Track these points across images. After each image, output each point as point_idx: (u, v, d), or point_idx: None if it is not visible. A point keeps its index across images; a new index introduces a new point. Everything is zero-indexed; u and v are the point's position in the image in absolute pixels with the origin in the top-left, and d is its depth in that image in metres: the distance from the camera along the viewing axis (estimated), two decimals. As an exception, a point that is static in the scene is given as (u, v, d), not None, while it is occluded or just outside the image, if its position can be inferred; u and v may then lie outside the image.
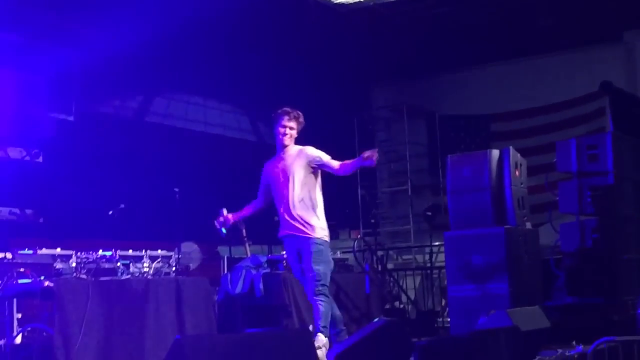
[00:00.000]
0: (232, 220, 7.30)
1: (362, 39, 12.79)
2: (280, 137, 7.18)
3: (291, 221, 6.93)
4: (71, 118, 10.51)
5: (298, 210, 6.89)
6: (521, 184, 7.86)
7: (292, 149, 7.16)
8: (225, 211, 7.28)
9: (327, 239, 6.96)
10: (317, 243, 6.82)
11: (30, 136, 10.41)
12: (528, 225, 7.90)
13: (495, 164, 7.66)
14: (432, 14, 12.09)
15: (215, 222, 7.29)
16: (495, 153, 7.73)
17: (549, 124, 13.51)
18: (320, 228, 6.90)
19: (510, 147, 7.81)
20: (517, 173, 7.76)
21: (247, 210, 7.38)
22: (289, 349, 4.50)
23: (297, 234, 6.91)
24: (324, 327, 6.72)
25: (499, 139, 13.59)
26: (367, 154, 6.58)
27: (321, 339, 6.60)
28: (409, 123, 14.58)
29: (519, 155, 7.93)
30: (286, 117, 7.13)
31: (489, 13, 12.12)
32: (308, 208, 6.91)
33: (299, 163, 7.01)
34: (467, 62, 13.92)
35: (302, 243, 6.87)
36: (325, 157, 7.04)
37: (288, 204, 6.95)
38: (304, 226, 6.87)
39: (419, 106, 14.71)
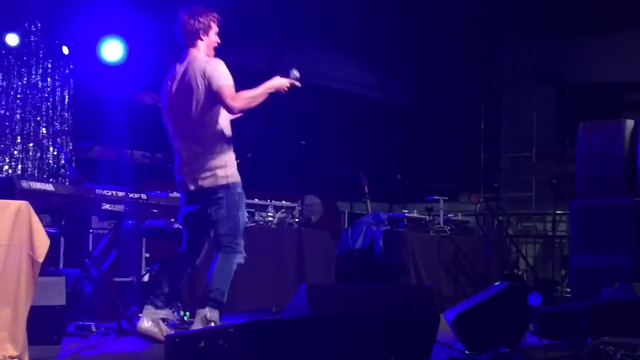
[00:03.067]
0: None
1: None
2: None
3: None
4: (203, 66, 10.71)
5: None
6: (655, 156, 7.62)
7: None
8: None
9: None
10: None
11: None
12: (659, 199, 7.66)
13: (629, 134, 7.45)
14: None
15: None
16: (630, 123, 7.52)
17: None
18: None
19: (646, 118, 7.58)
20: (651, 145, 7.52)
21: None
22: (411, 304, 4.55)
23: None
24: None
25: (631, 109, 13.14)
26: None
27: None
28: (537, 88, 14.26)
29: (654, 126, 7.68)
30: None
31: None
32: None
33: None
34: (602, 27, 13.44)
35: None
36: None
37: None
38: None
39: (548, 71, 14.33)
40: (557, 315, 5.76)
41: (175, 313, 6.14)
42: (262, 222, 7.53)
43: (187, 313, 6.21)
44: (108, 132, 9.92)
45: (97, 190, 5.63)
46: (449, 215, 9.89)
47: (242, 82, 11.64)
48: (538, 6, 12.81)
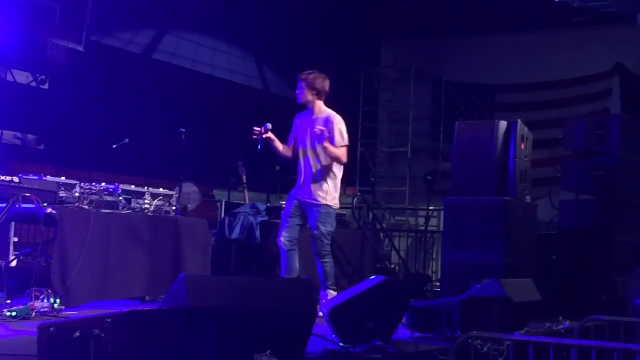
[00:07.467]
0: (269, 140, 7.14)
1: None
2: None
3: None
4: (80, 48, 10.42)
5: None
6: (525, 157, 7.88)
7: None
8: (270, 126, 7.13)
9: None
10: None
11: (38, 61, 10.32)
12: (528, 198, 7.94)
13: (502, 135, 7.67)
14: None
15: (257, 131, 7.01)
16: (503, 124, 7.73)
17: (554, 100, 13.53)
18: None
19: (519, 120, 7.82)
20: (522, 146, 7.78)
21: (285, 151, 7.28)
22: (289, 296, 4.55)
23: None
24: (331, 283, 6.97)
25: (503, 110, 13.60)
26: None
27: (332, 294, 6.80)
28: (415, 85, 14.56)
29: (526, 128, 7.94)
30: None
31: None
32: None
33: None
34: (479, 29, 13.86)
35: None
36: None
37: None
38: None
39: (426, 69, 14.67)
40: (429, 309, 5.89)
41: (45, 300, 5.95)
42: (138, 209, 7.40)
43: (58, 300, 6.03)
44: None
45: (-34, 172, 5.40)
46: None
47: (123, 65, 11.40)
48: (418, 5, 13.07)
